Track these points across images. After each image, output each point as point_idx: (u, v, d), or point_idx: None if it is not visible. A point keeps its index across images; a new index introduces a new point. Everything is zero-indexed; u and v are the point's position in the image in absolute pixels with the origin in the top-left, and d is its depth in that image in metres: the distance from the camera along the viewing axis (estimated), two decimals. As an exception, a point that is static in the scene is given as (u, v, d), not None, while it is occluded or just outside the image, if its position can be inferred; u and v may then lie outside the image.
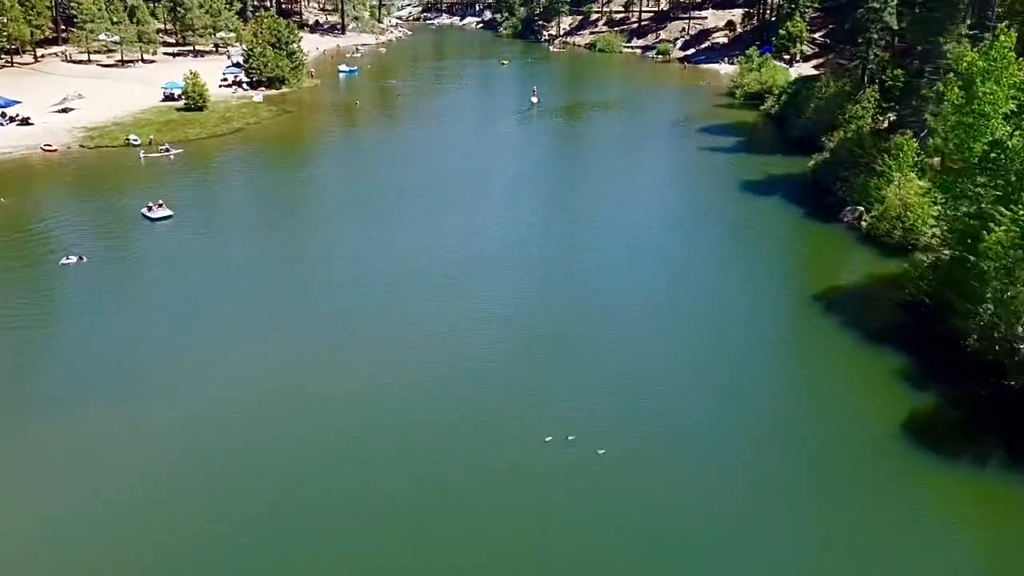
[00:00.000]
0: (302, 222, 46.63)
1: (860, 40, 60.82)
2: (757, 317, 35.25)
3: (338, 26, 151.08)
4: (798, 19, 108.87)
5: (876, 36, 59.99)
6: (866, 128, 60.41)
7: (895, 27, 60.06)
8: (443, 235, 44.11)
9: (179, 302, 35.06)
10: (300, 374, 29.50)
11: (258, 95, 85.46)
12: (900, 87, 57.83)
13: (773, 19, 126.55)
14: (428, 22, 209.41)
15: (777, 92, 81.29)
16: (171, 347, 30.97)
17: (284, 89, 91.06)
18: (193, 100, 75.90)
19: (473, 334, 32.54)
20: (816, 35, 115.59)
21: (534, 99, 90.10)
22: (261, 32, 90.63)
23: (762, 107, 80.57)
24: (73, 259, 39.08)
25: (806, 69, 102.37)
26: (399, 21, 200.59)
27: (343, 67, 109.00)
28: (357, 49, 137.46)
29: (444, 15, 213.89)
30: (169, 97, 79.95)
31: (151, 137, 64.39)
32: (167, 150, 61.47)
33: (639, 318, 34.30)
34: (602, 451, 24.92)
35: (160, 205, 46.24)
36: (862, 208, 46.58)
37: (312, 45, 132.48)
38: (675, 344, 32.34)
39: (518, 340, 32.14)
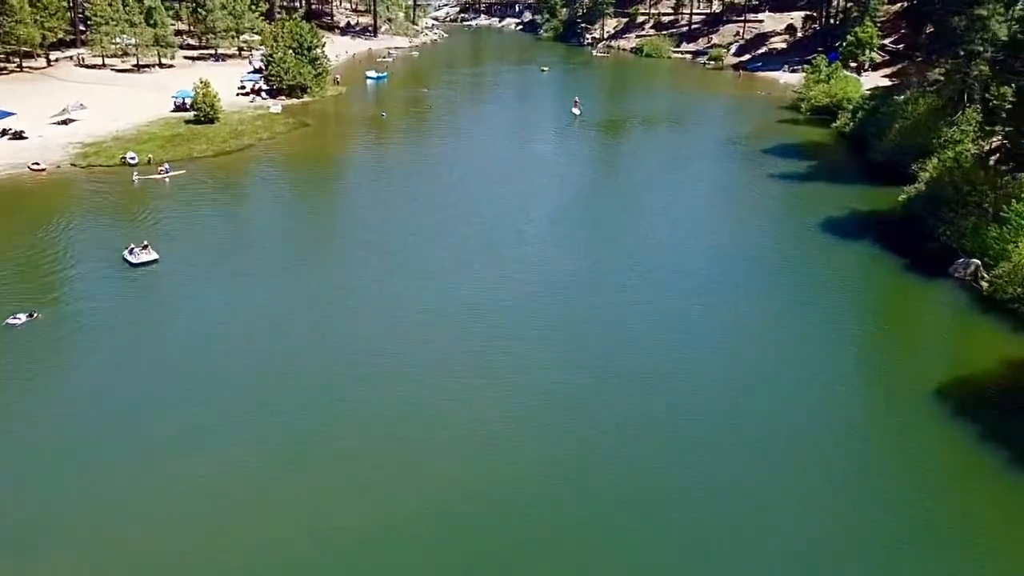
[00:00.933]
0: (301, 271, 39.75)
1: (962, 52, 52.40)
2: (872, 432, 27.43)
3: (370, 28, 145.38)
4: (868, 24, 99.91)
5: (981, 48, 51.56)
6: (966, 156, 52.31)
7: (1004, 37, 51.59)
8: (468, 291, 37.16)
9: (137, 389, 28.33)
10: (272, 508, 22.79)
11: (276, 105, 79.53)
12: (1010, 107, 49.51)
13: (837, 23, 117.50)
14: (465, 23, 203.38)
15: (851, 107, 72.88)
16: (96, 480, 23.29)
17: (306, 98, 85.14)
18: (203, 112, 70.07)
19: (490, 448, 25.43)
20: (886, 41, 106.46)
21: (576, 111, 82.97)
22: (282, 36, 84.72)
23: (834, 124, 72.21)
24: (22, 317, 32.76)
25: (876, 79, 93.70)
26: (435, 22, 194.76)
27: (371, 73, 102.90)
28: (389, 53, 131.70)
29: (482, 16, 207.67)
30: (180, 107, 74.32)
31: (150, 156, 58.53)
32: (165, 171, 55.52)
33: (716, 433, 26.47)
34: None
35: (145, 247, 39.84)
36: (977, 262, 38.46)
37: (342, 48, 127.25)
38: (765, 473, 24.54)
39: (543, 462, 24.77)
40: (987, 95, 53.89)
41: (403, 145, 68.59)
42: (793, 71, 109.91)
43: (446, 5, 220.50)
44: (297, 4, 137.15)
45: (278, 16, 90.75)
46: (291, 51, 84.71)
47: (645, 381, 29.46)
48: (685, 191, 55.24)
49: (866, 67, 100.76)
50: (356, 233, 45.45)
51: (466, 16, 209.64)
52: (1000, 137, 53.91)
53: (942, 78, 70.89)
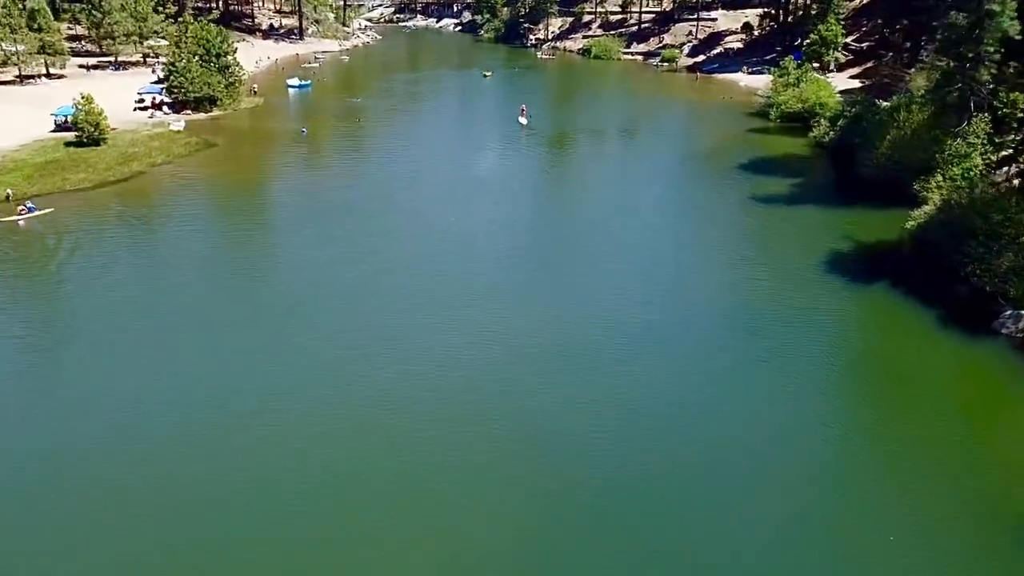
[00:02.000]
0: (181, 353, 30.80)
1: (969, 54, 45.95)
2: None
3: (295, 31, 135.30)
4: (832, 21, 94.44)
5: (992, 49, 45.19)
6: (976, 173, 46.00)
7: (1017, 36, 45.38)
8: (402, 373, 28.81)
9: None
10: None
11: (179, 121, 69.66)
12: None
13: (794, 21, 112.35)
14: (401, 24, 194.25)
15: (829, 115, 66.57)
16: None
17: (215, 112, 75.44)
18: (86, 132, 59.98)
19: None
20: (848, 39, 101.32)
21: (523, 120, 75.27)
22: (185, 41, 74.86)
23: (811, 134, 65.69)
24: None
25: (843, 80, 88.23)
26: (368, 24, 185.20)
27: (293, 81, 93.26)
28: (316, 58, 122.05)
29: (419, 16, 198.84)
30: (62, 126, 63.96)
31: (9, 191, 48.48)
32: (27, 211, 45.65)
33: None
34: None
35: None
36: (1032, 315, 31.65)
37: (264, 53, 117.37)
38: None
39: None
40: (996, 102, 47.78)
41: (325, 169, 59.48)
42: (753, 72, 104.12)
43: (380, 5, 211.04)
44: (212, 5, 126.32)
45: (182, 19, 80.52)
46: (197, 58, 74.91)
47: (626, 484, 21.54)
48: (655, 222, 47.46)
49: (831, 67, 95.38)
50: (261, 292, 36.50)
51: (402, 16, 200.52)
52: (1012, 149, 47.89)
53: (924, 80, 65.33)
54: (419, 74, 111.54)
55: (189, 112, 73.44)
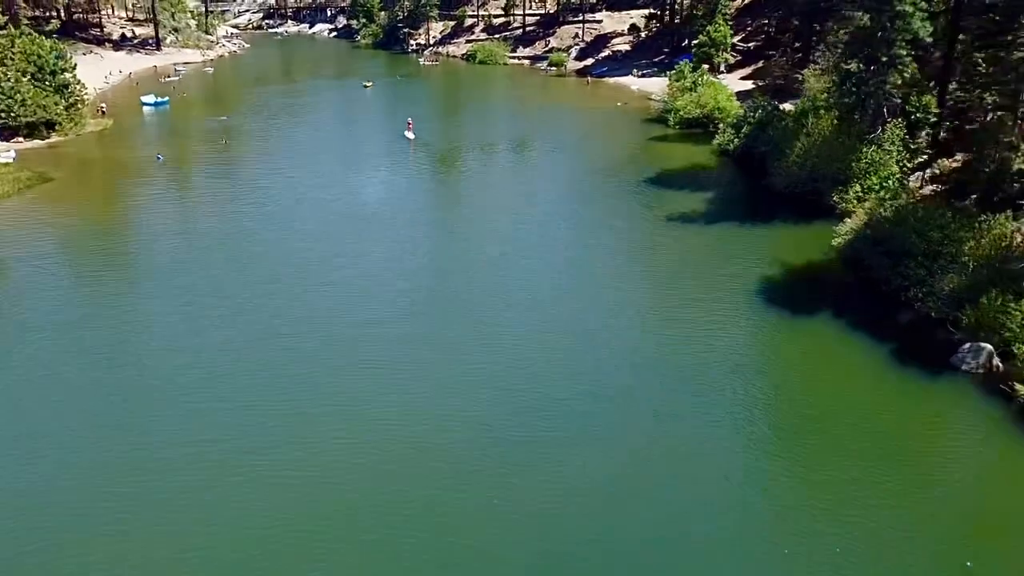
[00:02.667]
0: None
1: (882, 58, 43.90)
2: None
3: (151, 41, 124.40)
4: (720, 22, 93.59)
5: (904, 52, 43.28)
6: (894, 182, 44.26)
7: (928, 39, 43.74)
8: (273, 481, 23.05)
9: None
10: None
11: (8, 152, 60.40)
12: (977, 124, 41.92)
13: (680, 22, 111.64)
14: (271, 31, 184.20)
15: (732, 121, 64.46)
16: None
17: (54, 138, 66.28)
18: None
19: None
20: (735, 39, 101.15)
21: (409, 135, 69.97)
22: (11, 57, 65.34)
23: (715, 141, 63.23)
24: None
25: (733, 81, 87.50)
26: (235, 31, 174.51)
27: (149, 99, 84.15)
28: (176, 70, 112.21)
29: (290, 22, 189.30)
30: None
31: None
32: None
33: None
34: None
35: None
36: (990, 348, 28.96)
37: (116, 67, 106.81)
38: None
39: None
40: (908, 106, 46.15)
41: (186, 205, 51.92)
42: (644, 75, 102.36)
43: (247, 11, 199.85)
44: (52, 13, 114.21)
45: (5, 32, 70.22)
46: (28, 77, 65.53)
47: None
48: (559, 254, 42.73)
49: (721, 69, 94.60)
50: (88, 376, 29.64)
51: (271, 23, 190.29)
52: (927, 156, 46.45)
53: (816, 80, 64.28)
54: (293, 86, 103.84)
55: (21, 140, 64.09)
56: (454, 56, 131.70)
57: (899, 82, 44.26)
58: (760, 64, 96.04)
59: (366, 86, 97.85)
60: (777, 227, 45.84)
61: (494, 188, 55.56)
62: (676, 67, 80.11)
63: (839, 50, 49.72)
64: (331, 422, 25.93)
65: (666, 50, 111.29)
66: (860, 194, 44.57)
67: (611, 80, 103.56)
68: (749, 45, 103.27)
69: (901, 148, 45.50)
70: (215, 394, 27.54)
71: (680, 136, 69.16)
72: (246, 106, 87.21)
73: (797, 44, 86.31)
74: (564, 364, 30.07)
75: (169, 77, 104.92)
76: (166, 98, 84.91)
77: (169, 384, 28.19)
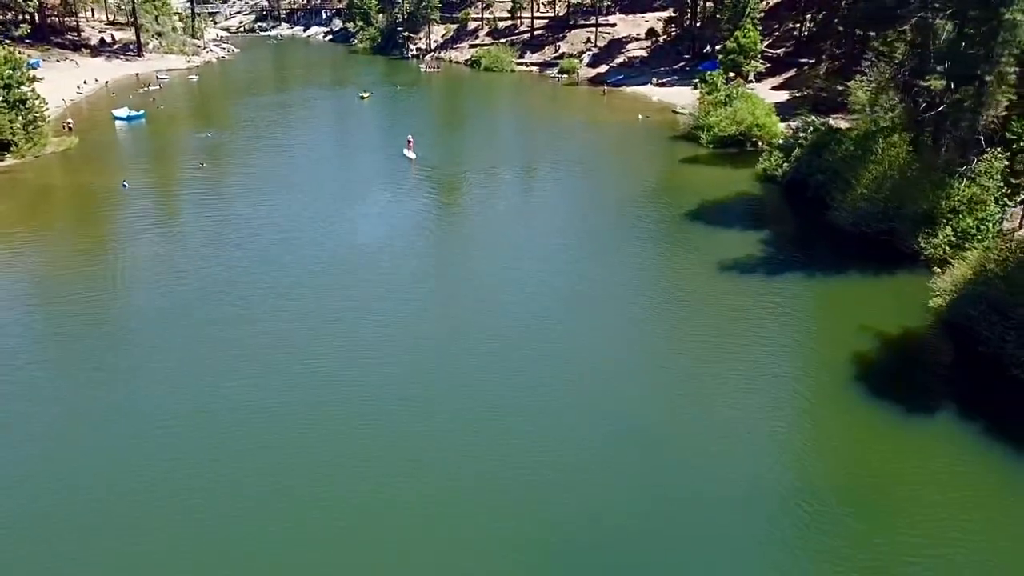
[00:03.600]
0: None
1: (976, 77, 36.98)
2: None
3: (132, 46, 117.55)
4: (750, 26, 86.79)
5: (1012, 71, 36.36)
6: (993, 224, 37.38)
7: (1037, 53, 36.81)
8: None
9: None
10: None
11: (-49, 179, 53.52)
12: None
13: (700, 25, 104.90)
14: (264, 34, 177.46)
15: (776, 141, 57.67)
16: None
17: (9, 161, 59.48)
18: None
19: None
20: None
21: (410, 154, 63.24)
22: (-40, 71, 58.55)
23: (761, 166, 56.22)
24: None
25: (765, 92, 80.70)
26: (226, 35, 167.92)
27: (121, 112, 77.21)
28: (157, 78, 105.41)
29: (283, 25, 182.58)
30: None
31: None
32: None
33: None
34: None
35: None
36: None
37: (93, 74, 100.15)
38: None
39: None
40: (1008, 131, 39.24)
41: (146, 244, 44.00)
42: (664, 84, 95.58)
43: (239, 13, 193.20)
44: (24, 17, 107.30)
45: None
46: (-20, 92, 58.77)
47: None
48: (596, 311, 35.91)
49: (750, 78, 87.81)
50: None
51: (263, 25, 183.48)
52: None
53: (865, 93, 57.60)
54: (284, 96, 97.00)
55: (-30, 163, 57.36)
56: (457, 62, 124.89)
57: (1005, 104, 37.30)
58: (792, 73, 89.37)
59: (362, 97, 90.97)
60: (848, 278, 38.88)
61: (506, 224, 48.39)
62: (702, 76, 73.19)
63: (898, 60, 42.86)
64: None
65: (687, 56, 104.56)
66: (952, 239, 37.70)
67: (628, 89, 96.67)
68: (778, 52, 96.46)
69: (1001, 183, 38.57)
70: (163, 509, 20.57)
71: (714, 157, 62.35)
72: (231, 120, 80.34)
73: (837, 51, 79.39)
74: (599, 482, 23.12)
75: (150, 86, 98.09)
76: (141, 111, 77.98)
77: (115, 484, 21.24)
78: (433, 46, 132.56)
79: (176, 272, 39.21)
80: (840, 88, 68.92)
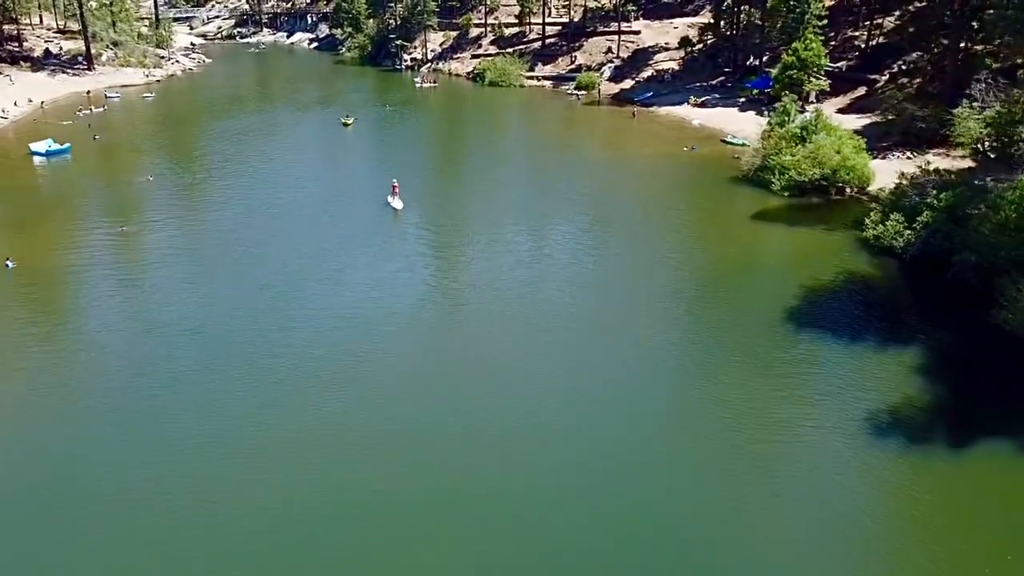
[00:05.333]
0: None
1: None
2: None
3: (82, 58, 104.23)
4: (811, 36, 73.56)
5: None
6: None
7: None
8: None
9: None
10: None
11: None
12: None
13: (739, 33, 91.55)
14: (244, 41, 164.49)
15: (888, 197, 44.27)
16: None
17: None
18: None
19: None
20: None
21: (395, 203, 50.49)
22: None
23: (871, 231, 42.39)
24: None
25: (830, 115, 66.95)
26: (201, 42, 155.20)
27: (40, 146, 63.63)
28: (107, 97, 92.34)
29: (265, 30, 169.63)
30: None
31: None
32: None
33: None
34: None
35: None
36: None
37: (28, 93, 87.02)
38: None
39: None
40: None
41: (27, 366, 31.03)
42: (704, 105, 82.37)
43: (217, 18, 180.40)
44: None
45: None
46: None
47: None
48: (684, 485, 22.78)
49: (811, 99, 74.70)
50: None
51: (244, 31, 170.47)
52: None
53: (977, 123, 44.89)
54: (252, 120, 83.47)
55: None
56: (457, 75, 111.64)
57: None
58: (861, 92, 76.05)
59: (346, 124, 77.44)
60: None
61: (511, 328, 34.69)
62: (778, 104, 59.87)
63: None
64: None
65: (727, 70, 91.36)
66: None
67: (661, 111, 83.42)
68: (839, 65, 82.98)
69: None
70: None
71: (794, 211, 49.13)
72: (181, 156, 67.08)
73: (930, 67, 66.14)
74: None
75: (93, 108, 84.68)
76: (67, 145, 64.46)
77: None
78: (430, 56, 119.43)
79: (70, 398, 26.00)
80: (942, 116, 56.11)
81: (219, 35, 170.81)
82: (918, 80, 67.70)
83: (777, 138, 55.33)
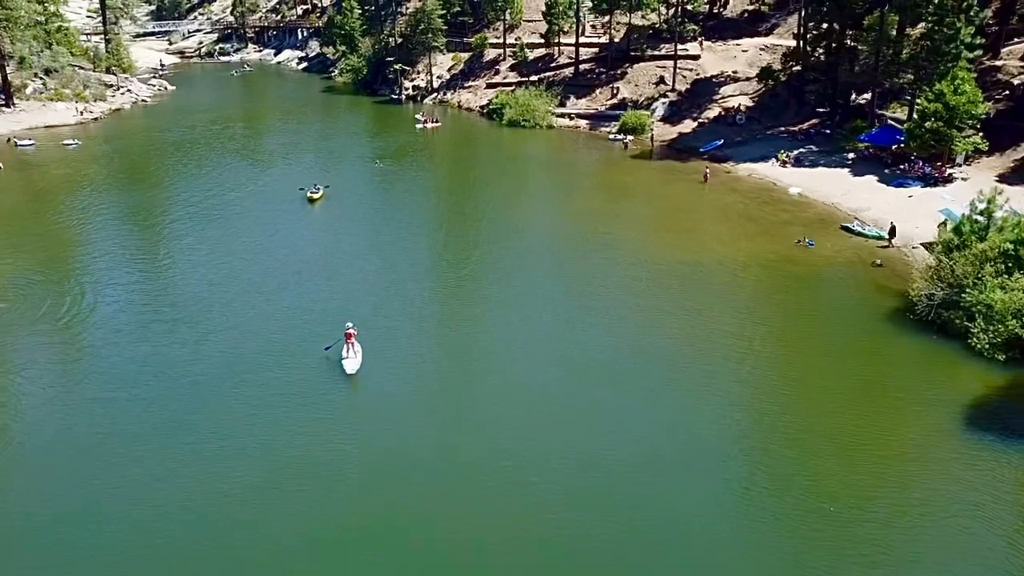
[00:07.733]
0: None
1: None
2: None
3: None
4: (964, 75, 53.92)
5: None
6: None
7: None
8: None
9: None
10: None
11: None
12: None
13: (845, 65, 70.96)
14: (225, 59, 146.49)
15: None
16: None
17: None
18: None
19: None
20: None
21: (347, 363, 33.08)
22: None
23: None
24: None
25: (984, 186, 46.70)
26: (177, 60, 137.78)
27: None
28: (16, 144, 74.16)
29: (251, 47, 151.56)
30: None
31: None
32: None
33: None
34: None
35: None
36: None
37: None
38: None
39: None
40: None
41: None
42: (797, 162, 62.73)
43: (199, 31, 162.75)
44: None
45: None
46: None
47: None
48: None
49: (958, 162, 55.20)
50: None
51: (226, 47, 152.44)
52: None
53: None
54: (182, 188, 63.09)
55: None
56: (469, 108, 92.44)
57: None
58: (1027, 149, 56.09)
59: (312, 199, 57.60)
60: None
61: None
62: (980, 195, 39.83)
63: None
64: None
65: (820, 110, 71.54)
66: None
67: (741, 169, 63.89)
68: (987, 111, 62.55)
69: None
70: None
71: (1004, 387, 29.37)
72: (69, 257, 48.21)
73: None
74: None
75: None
76: None
77: None
78: (435, 82, 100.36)
79: None
80: None
81: (199, 52, 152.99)
82: None
83: (973, 257, 35.50)
